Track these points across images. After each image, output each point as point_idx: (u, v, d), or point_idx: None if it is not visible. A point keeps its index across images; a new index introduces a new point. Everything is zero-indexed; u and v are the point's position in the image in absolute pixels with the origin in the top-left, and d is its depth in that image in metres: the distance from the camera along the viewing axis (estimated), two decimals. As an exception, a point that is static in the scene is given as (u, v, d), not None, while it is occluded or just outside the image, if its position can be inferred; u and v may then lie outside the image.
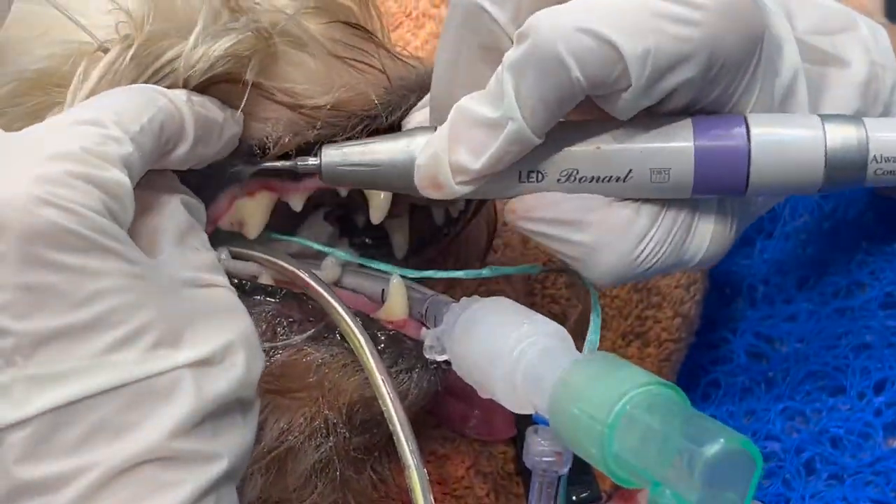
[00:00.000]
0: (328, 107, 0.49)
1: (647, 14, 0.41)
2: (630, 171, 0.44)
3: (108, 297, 0.39)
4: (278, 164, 0.49)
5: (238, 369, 0.42)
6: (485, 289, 0.57)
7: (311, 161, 0.48)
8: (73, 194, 0.38)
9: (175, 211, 0.45)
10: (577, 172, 0.45)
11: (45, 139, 0.41)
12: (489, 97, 0.44)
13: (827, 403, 0.62)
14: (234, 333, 0.42)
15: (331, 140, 0.50)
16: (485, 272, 0.53)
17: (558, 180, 0.45)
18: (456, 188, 0.45)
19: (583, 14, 0.41)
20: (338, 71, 0.50)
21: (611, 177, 0.45)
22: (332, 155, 0.47)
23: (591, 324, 0.49)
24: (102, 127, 0.41)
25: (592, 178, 0.45)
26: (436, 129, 0.46)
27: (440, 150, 0.45)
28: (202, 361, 0.40)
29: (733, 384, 0.66)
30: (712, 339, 0.70)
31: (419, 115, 0.51)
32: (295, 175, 0.51)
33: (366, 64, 0.51)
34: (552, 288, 0.62)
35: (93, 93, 0.46)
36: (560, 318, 0.47)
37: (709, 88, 0.44)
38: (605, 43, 0.40)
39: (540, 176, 0.45)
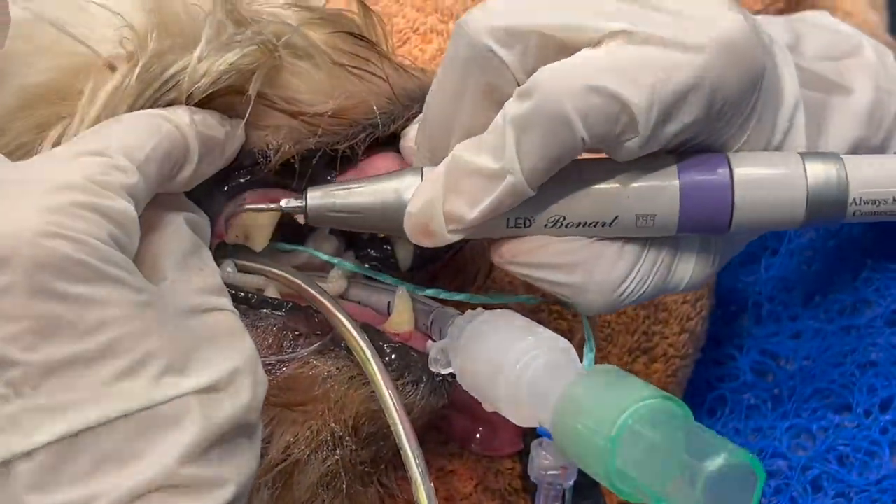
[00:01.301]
0: (329, 114, 0.50)
1: (651, 65, 0.42)
2: (616, 217, 0.46)
3: (114, 325, 0.39)
4: (262, 206, 0.50)
5: (243, 395, 0.42)
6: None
7: (296, 203, 0.48)
8: (80, 224, 0.39)
9: (178, 231, 0.45)
10: (564, 219, 0.46)
11: (50, 170, 0.41)
12: (488, 148, 0.44)
13: (833, 421, 0.61)
14: (239, 359, 0.43)
15: (332, 148, 0.50)
16: (486, 298, 0.53)
17: (545, 225, 0.46)
18: (447, 236, 0.46)
19: (588, 71, 0.42)
20: (341, 80, 0.51)
21: (597, 222, 0.46)
22: (318, 197, 0.48)
23: (585, 351, 0.49)
24: (107, 157, 0.42)
25: (579, 223, 0.46)
26: (422, 170, 0.47)
27: (434, 199, 0.45)
28: (208, 388, 0.41)
29: (739, 401, 0.66)
30: (718, 355, 0.70)
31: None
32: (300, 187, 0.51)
33: (369, 73, 0.51)
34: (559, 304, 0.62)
35: (100, 116, 0.46)
36: (567, 335, 0.47)
37: (709, 126, 0.45)
38: (612, 99, 0.41)
39: (528, 222, 0.46)
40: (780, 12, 0.73)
